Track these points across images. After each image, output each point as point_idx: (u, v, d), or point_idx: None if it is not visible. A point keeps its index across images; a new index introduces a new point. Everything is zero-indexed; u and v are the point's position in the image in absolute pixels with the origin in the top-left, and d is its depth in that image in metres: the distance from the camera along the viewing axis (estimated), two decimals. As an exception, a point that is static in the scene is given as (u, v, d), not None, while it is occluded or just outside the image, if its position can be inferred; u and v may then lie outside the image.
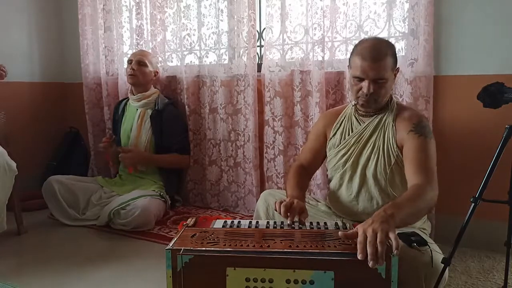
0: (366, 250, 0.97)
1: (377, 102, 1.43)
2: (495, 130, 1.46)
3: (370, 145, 1.48)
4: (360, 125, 1.51)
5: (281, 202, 1.30)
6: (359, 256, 0.98)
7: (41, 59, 3.07)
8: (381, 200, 1.46)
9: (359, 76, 1.40)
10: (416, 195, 1.21)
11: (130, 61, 2.50)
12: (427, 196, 1.22)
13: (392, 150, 1.43)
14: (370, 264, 0.96)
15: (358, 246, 0.99)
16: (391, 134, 1.44)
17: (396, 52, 1.48)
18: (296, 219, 1.27)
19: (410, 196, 1.21)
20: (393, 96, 1.51)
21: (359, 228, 1.02)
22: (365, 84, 1.39)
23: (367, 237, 0.99)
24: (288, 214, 1.26)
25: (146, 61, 2.49)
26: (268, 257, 1.02)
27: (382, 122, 1.47)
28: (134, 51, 2.71)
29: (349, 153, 1.51)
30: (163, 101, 2.53)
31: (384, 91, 1.41)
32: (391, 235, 0.98)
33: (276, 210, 1.30)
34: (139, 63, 2.47)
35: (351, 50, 1.49)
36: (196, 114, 2.62)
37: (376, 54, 1.37)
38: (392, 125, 1.44)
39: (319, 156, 1.65)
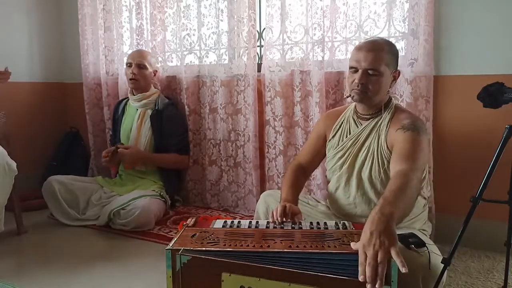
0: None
1: (369, 97, 1.42)
2: (495, 130, 1.46)
3: (366, 148, 1.47)
4: (358, 127, 1.51)
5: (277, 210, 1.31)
6: (360, 278, 0.93)
7: (41, 59, 3.07)
8: None
9: (353, 65, 1.42)
10: (404, 183, 1.15)
11: (129, 64, 2.48)
12: (413, 183, 1.17)
13: (384, 152, 1.43)
14: (368, 287, 0.92)
15: (359, 268, 0.94)
16: (383, 136, 1.43)
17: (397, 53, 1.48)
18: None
19: (398, 187, 1.13)
20: (393, 100, 1.51)
21: (359, 245, 0.97)
22: (357, 74, 1.40)
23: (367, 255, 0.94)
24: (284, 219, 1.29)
25: (146, 63, 2.48)
26: (265, 267, 1.00)
27: (378, 125, 1.46)
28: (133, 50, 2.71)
29: (345, 155, 1.51)
30: (163, 101, 2.53)
31: (377, 87, 1.40)
32: (393, 252, 0.93)
33: (272, 217, 1.31)
34: (139, 66, 2.46)
35: (351, 50, 1.50)
36: (196, 114, 2.62)
37: (371, 45, 1.41)
38: (386, 128, 1.43)
39: (318, 156, 1.66)
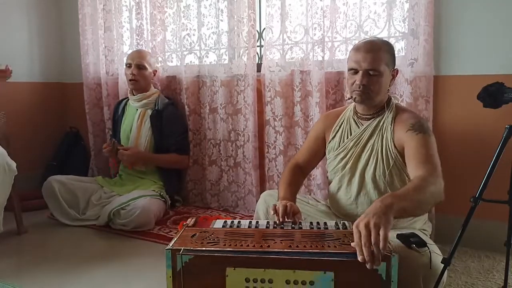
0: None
1: (371, 98, 1.42)
2: (495, 130, 1.46)
3: (369, 148, 1.47)
4: (359, 128, 1.51)
5: (276, 208, 1.31)
6: (359, 258, 0.96)
7: (41, 59, 3.07)
8: None
9: (353, 67, 1.42)
10: (419, 185, 1.16)
11: (129, 65, 2.48)
12: (430, 187, 1.17)
13: (390, 152, 1.42)
14: (368, 266, 0.94)
15: (356, 248, 0.97)
16: (389, 136, 1.43)
17: (396, 52, 1.49)
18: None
19: (413, 186, 1.16)
20: (392, 99, 1.51)
21: (354, 226, 1.00)
22: (358, 76, 1.40)
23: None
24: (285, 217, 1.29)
25: (146, 64, 2.47)
26: (268, 258, 1.02)
27: (381, 124, 1.46)
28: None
29: (347, 156, 1.51)
30: (163, 101, 2.53)
31: (378, 87, 1.40)
32: (381, 232, 0.94)
33: (273, 214, 1.31)
34: (138, 67, 2.46)
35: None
36: (196, 114, 2.62)
37: (370, 45, 1.41)
38: (391, 127, 1.43)
39: (316, 157, 1.66)
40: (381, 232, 0.94)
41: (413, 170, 1.29)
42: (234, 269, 1.03)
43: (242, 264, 1.03)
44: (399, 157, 1.41)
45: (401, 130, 1.40)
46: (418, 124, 1.38)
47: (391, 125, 1.44)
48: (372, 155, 1.46)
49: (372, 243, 0.94)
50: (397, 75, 1.51)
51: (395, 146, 1.42)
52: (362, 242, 0.95)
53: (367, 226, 0.96)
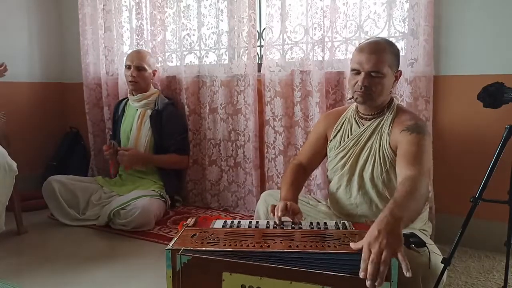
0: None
1: (372, 99, 1.41)
2: (495, 130, 1.46)
3: (368, 148, 1.47)
4: (360, 128, 1.51)
5: (275, 207, 1.31)
6: (361, 275, 0.93)
7: (41, 59, 3.07)
8: (380, 203, 1.45)
9: (356, 68, 1.41)
10: (414, 188, 1.15)
11: (128, 66, 2.48)
12: (422, 189, 1.17)
13: (386, 153, 1.42)
14: (368, 283, 0.92)
15: (362, 264, 0.94)
16: (386, 137, 1.43)
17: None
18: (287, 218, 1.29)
19: (408, 191, 1.14)
20: (394, 100, 1.50)
21: (365, 242, 0.97)
22: (360, 77, 1.39)
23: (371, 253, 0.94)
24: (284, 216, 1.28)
25: (145, 65, 2.47)
26: (265, 266, 1.00)
27: (380, 125, 1.46)
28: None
29: (347, 156, 1.51)
30: (163, 101, 2.53)
31: (380, 88, 1.40)
32: (400, 255, 0.93)
33: (272, 214, 1.31)
34: (138, 68, 2.45)
35: (351, 50, 1.49)
36: (196, 114, 2.62)
37: (374, 46, 1.39)
38: (388, 128, 1.43)
39: (318, 156, 1.66)
40: (400, 255, 0.93)
41: (402, 169, 1.28)
42: (230, 275, 1.02)
43: (238, 270, 1.01)
44: (394, 158, 1.40)
45: (397, 131, 1.40)
46: (414, 125, 1.37)
47: (389, 126, 1.44)
48: (370, 155, 1.46)
49: (381, 261, 0.92)
50: (400, 76, 1.50)
51: (390, 147, 1.42)
52: (371, 259, 0.93)
53: (380, 248, 0.94)
